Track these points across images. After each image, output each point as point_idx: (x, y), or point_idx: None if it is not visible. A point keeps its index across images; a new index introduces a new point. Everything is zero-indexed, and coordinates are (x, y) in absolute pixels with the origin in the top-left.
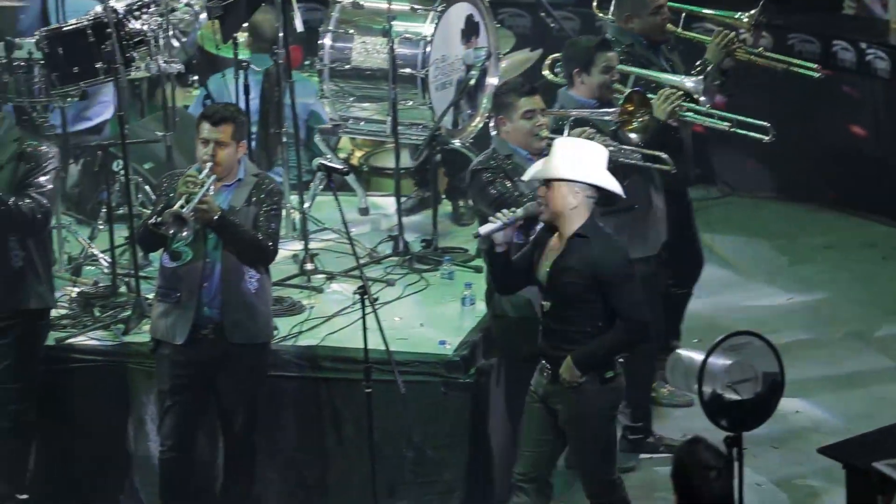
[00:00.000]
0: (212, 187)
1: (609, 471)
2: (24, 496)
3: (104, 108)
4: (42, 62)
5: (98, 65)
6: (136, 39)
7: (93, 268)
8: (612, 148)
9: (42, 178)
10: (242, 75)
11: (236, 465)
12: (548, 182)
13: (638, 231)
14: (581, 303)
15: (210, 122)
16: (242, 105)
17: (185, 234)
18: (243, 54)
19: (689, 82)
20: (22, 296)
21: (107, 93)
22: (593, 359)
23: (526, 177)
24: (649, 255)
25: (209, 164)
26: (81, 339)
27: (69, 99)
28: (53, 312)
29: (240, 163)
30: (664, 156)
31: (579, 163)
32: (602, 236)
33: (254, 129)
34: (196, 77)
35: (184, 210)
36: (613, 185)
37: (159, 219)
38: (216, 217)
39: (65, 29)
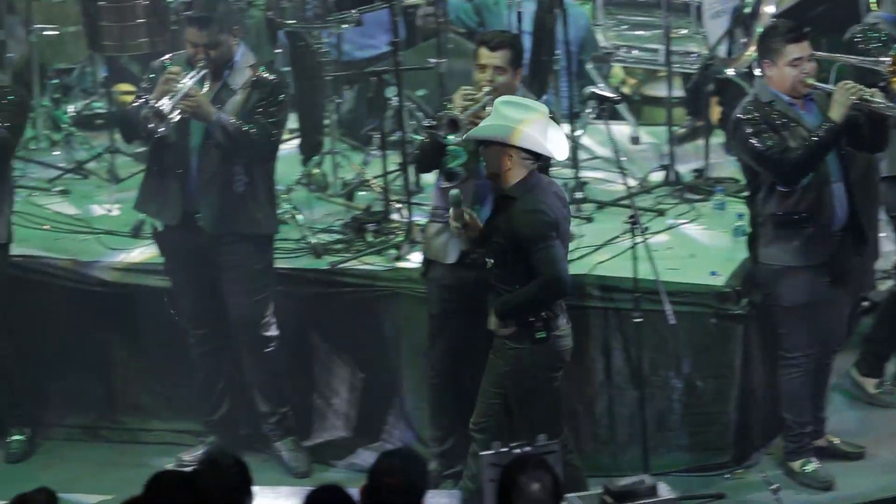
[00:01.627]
0: (488, 107)
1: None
2: (285, 409)
3: (390, 37)
4: None
5: None
6: None
7: (366, 193)
8: (880, 104)
9: (273, 108)
10: (516, 3)
11: None
12: (485, 142)
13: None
14: (506, 262)
15: (488, 47)
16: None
17: (456, 139)
18: None
19: None
20: (241, 220)
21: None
22: (508, 307)
23: (455, 136)
24: None
25: (487, 88)
26: (354, 264)
27: (344, 25)
28: (327, 237)
29: (517, 90)
30: None
31: (515, 124)
32: (529, 197)
33: (526, 56)
34: None
35: (460, 115)
36: (547, 148)
37: (434, 122)
38: None
39: None
